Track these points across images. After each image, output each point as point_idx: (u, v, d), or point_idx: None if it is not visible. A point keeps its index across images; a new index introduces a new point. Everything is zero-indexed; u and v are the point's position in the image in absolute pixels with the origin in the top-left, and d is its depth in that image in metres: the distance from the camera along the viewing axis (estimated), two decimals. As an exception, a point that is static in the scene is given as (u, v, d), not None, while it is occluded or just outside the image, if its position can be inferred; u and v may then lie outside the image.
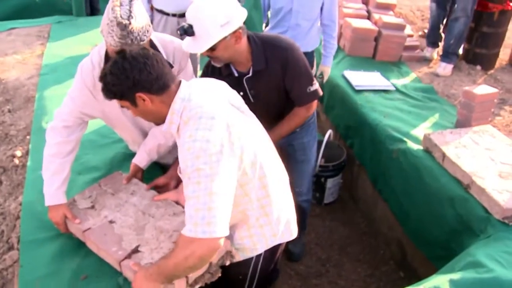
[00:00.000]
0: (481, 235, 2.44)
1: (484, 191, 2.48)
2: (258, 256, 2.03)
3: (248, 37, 2.30)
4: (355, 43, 4.41)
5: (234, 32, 2.15)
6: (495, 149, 2.84)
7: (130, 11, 1.91)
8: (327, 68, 3.66)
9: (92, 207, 2.21)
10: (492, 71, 4.51)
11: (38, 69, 3.87)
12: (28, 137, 3.00)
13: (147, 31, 1.99)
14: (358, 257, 3.39)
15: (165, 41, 2.26)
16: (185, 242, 1.61)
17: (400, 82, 4.05)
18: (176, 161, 2.25)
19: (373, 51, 4.47)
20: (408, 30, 4.75)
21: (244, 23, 2.26)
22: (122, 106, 1.81)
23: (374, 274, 3.24)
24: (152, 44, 2.11)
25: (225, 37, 2.14)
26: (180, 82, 1.78)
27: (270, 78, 2.37)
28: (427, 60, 4.64)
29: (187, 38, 2.16)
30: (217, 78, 2.07)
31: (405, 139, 3.13)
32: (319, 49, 3.71)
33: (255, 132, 1.90)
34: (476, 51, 4.49)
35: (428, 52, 4.68)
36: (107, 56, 2.11)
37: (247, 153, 1.74)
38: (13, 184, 2.60)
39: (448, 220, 2.68)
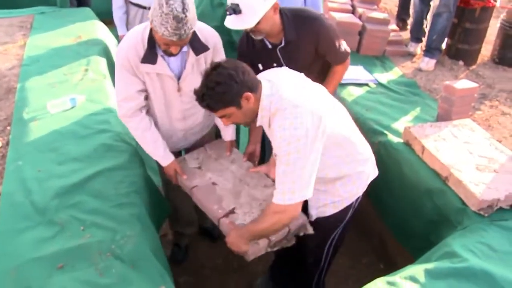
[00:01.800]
0: (458, 227, 2.48)
1: (461, 183, 2.51)
2: (357, 199, 2.36)
3: (279, 11, 2.48)
4: (339, 37, 4.42)
5: (273, 4, 2.36)
6: (474, 142, 2.88)
7: (184, 3, 2.03)
8: None
9: (199, 167, 2.62)
10: (474, 66, 4.55)
11: (20, 60, 3.82)
12: (8, 128, 2.98)
13: (195, 18, 2.14)
14: (338, 249, 3.41)
15: (200, 28, 2.40)
16: (274, 210, 2.00)
17: (383, 76, 4.08)
18: (254, 129, 2.68)
19: (357, 45, 4.49)
20: (392, 25, 4.79)
21: None
22: (221, 117, 2.05)
23: (354, 266, 3.27)
24: None
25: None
26: (259, 80, 2.03)
27: (301, 46, 2.56)
28: (411, 55, 4.68)
29: (232, 17, 2.34)
30: (253, 51, 2.52)
31: (386, 132, 3.15)
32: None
33: (330, 107, 2.09)
34: (459, 47, 4.53)
35: (412, 47, 4.71)
36: (150, 40, 2.26)
37: (332, 131, 2.00)
38: (-8, 174, 2.58)
39: (427, 212, 2.71)
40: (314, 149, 1.92)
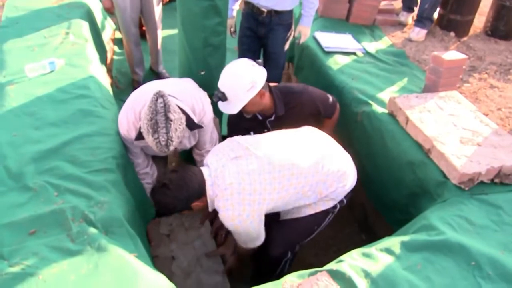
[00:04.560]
0: (438, 199, 2.47)
1: (443, 156, 2.48)
2: (341, 201, 2.49)
3: (270, 90, 2.72)
4: (328, 4, 4.33)
5: (258, 91, 2.53)
6: (459, 115, 2.84)
7: (168, 137, 2.20)
8: (305, 28, 3.55)
9: (168, 235, 2.76)
10: (465, 38, 4.49)
11: (-1, 21, 3.72)
12: (-16, 91, 2.89)
13: (180, 137, 2.28)
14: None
15: (193, 107, 2.58)
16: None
17: (372, 45, 4.01)
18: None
19: (346, 13, 4.39)
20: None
21: None
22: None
23: (336, 236, 3.27)
24: (181, 109, 2.35)
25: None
26: (201, 172, 2.24)
27: (290, 118, 2.74)
28: (401, 25, 4.59)
29: (222, 102, 2.56)
30: (243, 121, 2.76)
31: (370, 102, 3.11)
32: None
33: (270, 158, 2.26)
34: (451, 17, 4.45)
35: (403, 16, 4.62)
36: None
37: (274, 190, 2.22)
38: (-34, 138, 2.51)
39: (408, 184, 2.70)
40: (253, 218, 2.19)
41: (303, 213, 2.47)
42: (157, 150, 2.26)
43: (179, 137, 2.26)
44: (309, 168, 2.29)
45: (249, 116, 2.74)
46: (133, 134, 2.50)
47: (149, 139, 2.22)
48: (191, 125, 2.46)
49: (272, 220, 2.53)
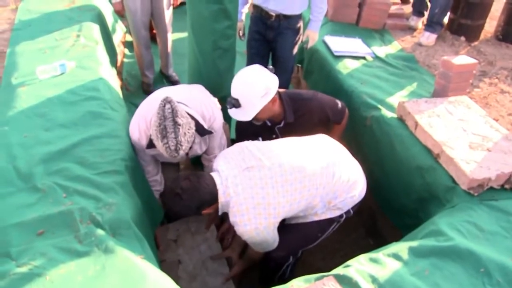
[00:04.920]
0: (447, 205, 2.45)
1: (453, 161, 2.46)
2: (347, 212, 2.47)
3: (280, 96, 2.70)
4: (338, 9, 4.33)
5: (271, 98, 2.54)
6: (469, 120, 2.82)
7: (177, 141, 2.19)
8: (313, 33, 3.55)
9: (175, 240, 2.80)
10: (476, 42, 4.46)
11: (11, 24, 3.74)
12: (-4, 92, 2.92)
13: (190, 142, 2.27)
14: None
15: (203, 114, 2.58)
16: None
17: (382, 50, 4.00)
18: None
19: (356, 18, 4.39)
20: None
21: None
22: None
23: (343, 241, 3.25)
24: (190, 116, 2.37)
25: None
26: (213, 181, 2.22)
27: (299, 125, 2.74)
28: (411, 29, 4.58)
29: (234, 109, 2.56)
30: (252, 127, 2.75)
31: (379, 106, 3.10)
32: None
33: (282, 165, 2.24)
34: (461, 22, 4.42)
35: (413, 20, 4.60)
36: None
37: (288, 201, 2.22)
38: (-23, 139, 2.53)
39: (417, 189, 2.68)
40: (270, 229, 2.23)
41: (308, 219, 2.45)
42: (167, 156, 2.25)
43: (189, 141, 2.26)
44: (320, 177, 2.28)
45: (259, 123, 2.72)
46: (144, 142, 2.51)
47: (158, 144, 2.23)
48: (201, 131, 2.47)
49: None
